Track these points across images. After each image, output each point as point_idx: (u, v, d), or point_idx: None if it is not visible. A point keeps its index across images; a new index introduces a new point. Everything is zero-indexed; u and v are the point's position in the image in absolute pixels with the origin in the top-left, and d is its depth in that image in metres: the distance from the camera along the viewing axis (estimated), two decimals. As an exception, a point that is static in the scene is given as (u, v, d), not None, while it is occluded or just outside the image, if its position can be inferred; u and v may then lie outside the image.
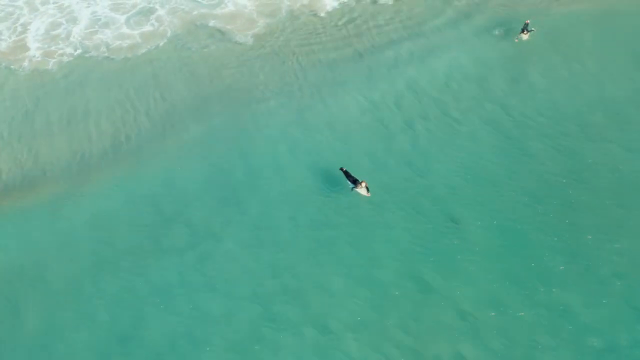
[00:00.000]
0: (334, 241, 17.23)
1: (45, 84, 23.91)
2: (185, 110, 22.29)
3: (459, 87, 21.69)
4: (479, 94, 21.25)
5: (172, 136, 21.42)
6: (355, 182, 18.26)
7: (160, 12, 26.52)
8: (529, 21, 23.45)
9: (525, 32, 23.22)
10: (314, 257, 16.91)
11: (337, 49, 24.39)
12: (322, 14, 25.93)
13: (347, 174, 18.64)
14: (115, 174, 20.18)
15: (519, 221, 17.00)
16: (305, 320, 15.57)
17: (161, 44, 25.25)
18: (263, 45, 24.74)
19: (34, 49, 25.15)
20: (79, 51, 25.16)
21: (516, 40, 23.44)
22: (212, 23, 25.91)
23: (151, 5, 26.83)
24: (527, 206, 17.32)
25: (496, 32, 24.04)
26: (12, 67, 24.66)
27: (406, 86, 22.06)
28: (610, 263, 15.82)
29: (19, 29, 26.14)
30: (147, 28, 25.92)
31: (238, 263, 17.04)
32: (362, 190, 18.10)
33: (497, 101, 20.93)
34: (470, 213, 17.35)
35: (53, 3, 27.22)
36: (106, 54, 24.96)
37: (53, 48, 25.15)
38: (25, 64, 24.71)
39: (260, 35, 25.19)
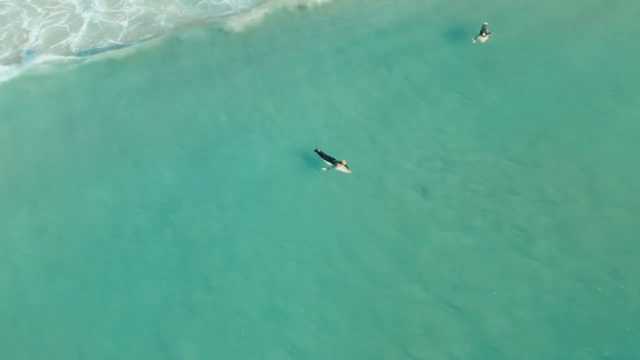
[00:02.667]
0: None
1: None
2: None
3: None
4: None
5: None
6: (333, 161, 18.99)
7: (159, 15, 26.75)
8: (486, 23, 23.54)
9: (483, 34, 23.07)
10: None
11: (325, 42, 24.64)
12: (310, 5, 26.36)
13: (322, 155, 19.33)
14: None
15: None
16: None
17: (157, 42, 25.29)
18: (254, 38, 25.02)
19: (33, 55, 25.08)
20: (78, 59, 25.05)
21: (473, 42, 23.37)
22: (205, 16, 26.27)
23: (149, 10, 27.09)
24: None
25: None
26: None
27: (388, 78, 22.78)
28: None
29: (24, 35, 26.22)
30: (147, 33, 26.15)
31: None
32: (342, 168, 18.86)
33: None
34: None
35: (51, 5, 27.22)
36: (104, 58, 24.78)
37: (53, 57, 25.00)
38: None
39: (252, 28, 25.47)
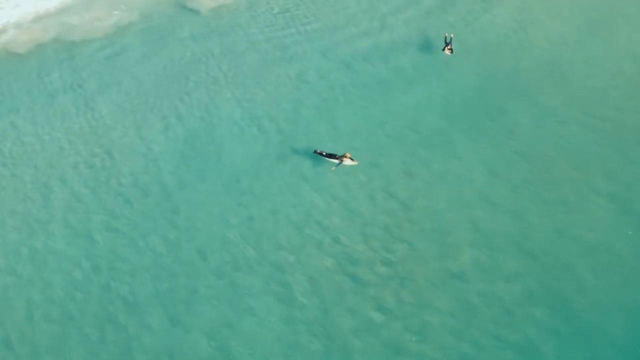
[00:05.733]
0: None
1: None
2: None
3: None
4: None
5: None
6: (336, 157, 18.07)
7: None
8: (447, 34, 22.01)
9: (449, 47, 21.39)
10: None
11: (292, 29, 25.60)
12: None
13: (322, 154, 18.40)
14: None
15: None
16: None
17: (134, 18, 26.60)
18: (222, 19, 26.19)
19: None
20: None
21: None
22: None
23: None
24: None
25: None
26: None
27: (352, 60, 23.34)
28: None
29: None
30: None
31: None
32: (348, 161, 17.94)
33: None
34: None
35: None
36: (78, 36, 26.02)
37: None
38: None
39: (217, 9, 26.67)
